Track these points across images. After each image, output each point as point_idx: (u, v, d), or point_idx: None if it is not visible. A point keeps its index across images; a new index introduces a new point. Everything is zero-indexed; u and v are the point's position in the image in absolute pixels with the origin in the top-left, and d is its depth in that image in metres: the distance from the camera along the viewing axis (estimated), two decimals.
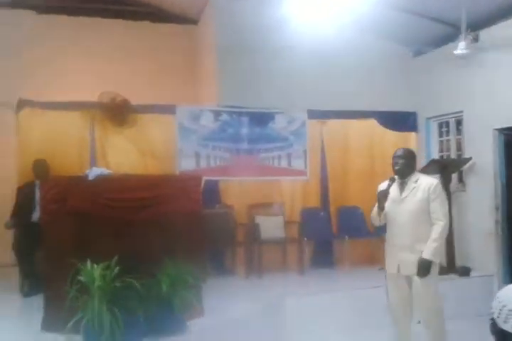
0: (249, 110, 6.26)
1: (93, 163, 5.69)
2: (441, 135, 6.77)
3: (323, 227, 6.38)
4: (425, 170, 6.15)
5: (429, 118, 6.82)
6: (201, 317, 4.14)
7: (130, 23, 7.30)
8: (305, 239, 5.98)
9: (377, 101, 6.56)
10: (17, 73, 6.47)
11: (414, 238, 3.55)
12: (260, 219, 6.04)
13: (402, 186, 3.64)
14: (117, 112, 5.65)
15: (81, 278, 3.50)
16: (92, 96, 5.68)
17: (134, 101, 5.81)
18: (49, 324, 3.74)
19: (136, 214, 3.79)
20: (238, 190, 6.22)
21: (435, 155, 6.76)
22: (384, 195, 3.61)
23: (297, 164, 6.39)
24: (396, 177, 3.64)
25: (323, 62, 6.38)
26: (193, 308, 3.97)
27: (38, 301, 4.52)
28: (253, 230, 5.93)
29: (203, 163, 6.09)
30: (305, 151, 6.44)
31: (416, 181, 3.62)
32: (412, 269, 3.54)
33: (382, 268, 3.94)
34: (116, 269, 3.54)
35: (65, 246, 3.77)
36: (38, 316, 3.93)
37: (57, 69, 6.67)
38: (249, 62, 6.28)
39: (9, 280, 5.37)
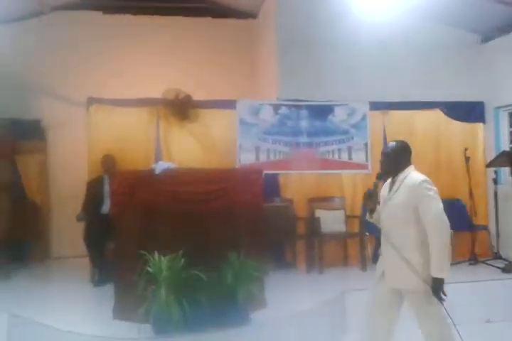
0: (309, 103, 6.22)
1: (158, 157, 5.88)
2: None
3: None
4: (494, 163, 5.90)
5: (498, 108, 6.50)
6: (264, 310, 4.18)
7: (190, 19, 7.43)
8: (367, 233, 5.88)
9: (442, 90, 6.35)
10: (86, 72, 6.80)
11: (400, 243, 3.07)
12: (320, 213, 6.00)
13: (392, 185, 3.21)
14: (181, 108, 5.80)
15: (149, 268, 3.63)
16: (155, 92, 5.85)
17: (196, 96, 5.93)
18: (120, 312, 3.91)
19: (201, 207, 3.87)
20: (298, 184, 6.21)
21: (505, 146, 6.42)
22: (369, 196, 3.29)
23: (358, 157, 6.28)
24: (380, 176, 3.28)
25: (383, 52, 6.24)
26: (256, 300, 4.01)
27: (108, 290, 4.77)
28: (313, 224, 5.90)
29: (263, 157, 6.13)
30: (366, 144, 6.31)
31: (403, 179, 3.14)
32: (398, 281, 3.09)
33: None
34: (182, 261, 3.65)
35: (134, 237, 3.91)
36: (108, 305, 4.11)
37: (122, 66, 6.94)
38: (308, 55, 6.25)
39: (81, 270, 5.69)
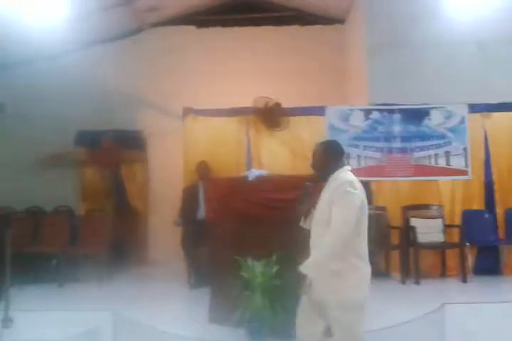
0: (402, 107, 6.02)
1: (249, 164, 6.00)
2: None
3: (488, 231, 5.83)
4: None
5: None
6: None
7: (279, 28, 7.54)
8: (467, 243, 5.53)
9: None
10: (181, 84, 7.15)
11: (312, 243, 2.93)
12: (416, 222, 5.73)
13: (325, 187, 2.93)
14: (270, 116, 5.88)
15: (243, 274, 3.69)
16: (246, 102, 5.99)
17: (286, 104, 5.99)
18: (215, 316, 4.00)
19: (293, 214, 3.86)
20: (391, 191, 6.02)
21: None
22: (300, 201, 3.05)
23: (457, 163, 5.94)
24: (309, 179, 3.11)
25: (480, 51, 5.88)
26: None
27: (204, 293, 4.92)
28: (408, 233, 5.66)
29: (354, 164, 6.00)
30: (465, 149, 5.96)
31: (331, 181, 2.87)
32: (317, 289, 2.82)
33: None
34: (275, 267, 3.67)
35: (228, 243, 3.99)
36: (204, 307, 4.22)
37: (215, 77, 7.21)
38: (399, 57, 6.08)
39: (177, 273, 5.93)
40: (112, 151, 7.15)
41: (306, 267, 2.77)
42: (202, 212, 5.62)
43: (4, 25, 5.67)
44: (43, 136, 7.01)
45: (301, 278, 2.80)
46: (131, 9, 6.83)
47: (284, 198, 3.82)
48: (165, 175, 7.17)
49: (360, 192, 2.81)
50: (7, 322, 4.20)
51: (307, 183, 3.06)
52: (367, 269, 2.82)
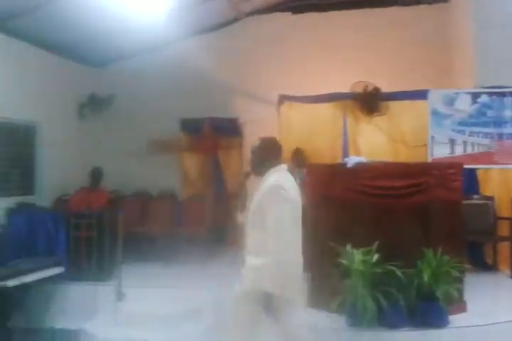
0: None
1: (345, 151, 5.92)
2: None
3: None
4: None
5: None
6: (463, 314, 3.90)
7: (377, 10, 7.26)
8: None
9: None
10: (277, 71, 7.18)
11: (249, 247, 2.81)
12: None
13: (260, 184, 2.86)
14: (369, 101, 5.74)
15: (343, 261, 3.68)
16: (344, 87, 5.89)
17: (386, 88, 5.80)
18: (314, 301, 4.03)
19: (396, 202, 3.77)
20: (500, 180, 5.65)
21: None
22: (240, 194, 3.03)
23: None
24: (246, 174, 3.07)
25: None
26: (455, 303, 3.77)
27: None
28: None
29: (458, 150, 5.67)
30: None
31: (265, 180, 2.81)
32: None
33: None
34: (376, 256, 3.62)
35: (327, 229, 4.00)
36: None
37: (311, 64, 7.14)
38: (510, 37, 5.58)
39: None
40: (212, 138, 7.43)
41: (270, 285, 2.64)
42: None
43: (110, 20, 6.04)
44: (149, 124, 7.44)
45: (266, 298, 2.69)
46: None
47: (388, 186, 3.74)
48: None
49: (291, 191, 2.77)
50: (120, 296, 4.59)
51: (242, 179, 3.13)
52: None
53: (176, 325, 4.31)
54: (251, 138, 7.32)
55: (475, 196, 5.60)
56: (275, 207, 2.68)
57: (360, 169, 3.95)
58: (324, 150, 5.97)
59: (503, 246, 5.45)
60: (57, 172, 6.52)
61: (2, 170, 5.96)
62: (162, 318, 4.40)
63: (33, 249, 5.04)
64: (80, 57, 7.28)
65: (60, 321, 4.79)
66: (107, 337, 4.32)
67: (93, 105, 7.37)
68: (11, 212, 5.49)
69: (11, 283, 4.14)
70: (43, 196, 6.35)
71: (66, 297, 4.86)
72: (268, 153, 2.90)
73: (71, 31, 6.27)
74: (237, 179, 7.54)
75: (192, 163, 7.59)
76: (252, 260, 2.77)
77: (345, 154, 5.90)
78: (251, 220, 2.84)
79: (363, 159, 4.03)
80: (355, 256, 3.67)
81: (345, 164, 4.05)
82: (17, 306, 4.19)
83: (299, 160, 5.82)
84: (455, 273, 3.64)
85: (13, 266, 4.44)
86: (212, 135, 7.42)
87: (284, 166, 2.93)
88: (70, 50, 6.94)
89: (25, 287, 4.32)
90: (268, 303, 2.70)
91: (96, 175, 6.08)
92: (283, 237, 2.65)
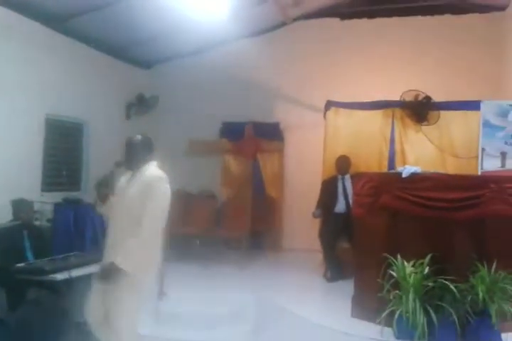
0: None
1: (391, 159, 5.84)
2: None
3: None
4: None
5: None
6: None
7: (429, 18, 7.14)
8: None
9: None
10: (324, 77, 7.15)
11: (119, 239, 2.98)
12: None
13: (131, 177, 3.12)
14: (418, 110, 5.64)
15: (393, 272, 3.62)
16: (394, 96, 5.81)
17: (437, 98, 5.69)
18: (359, 312, 3.99)
19: (452, 214, 3.68)
20: None
21: None
22: (99, 183, 3.16)
23: None
24: (119, 163, 3.20)
25: None
26: (508, 320, 3.65)
27: (341, 287, 4.94)
28: None
29: (510, 164, 5.52)
30: None
31: (141, 174, 3.08)
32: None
33: None
34: (427, 268, 3.55)
35: (376, 239, 3.94)
36: (343, 301, 4.24)
37: (360, 70, 7.09)
38: None
39: (310, 263, 6.03)
40: (253, 142, 7.46)
41: (123, 260, 2.87)
42: (341, 206, 5.63)
43: (159, 22, 6.13)
44: (193, 125, 7.53)
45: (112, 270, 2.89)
46: (277, 4, 6.96)
47: (444, 198, 3.66)
48: (301, 166, 7.29)
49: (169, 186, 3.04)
50: (162, 295, 4.63)
51: (113, 168, 3.22)
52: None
53: (215, 326, 4.32)
54: (292, 143, 7.44)
55: None
56: (155, 200, 2.95)
57: (415, 179, 3.87)
58: (370, 158, 5.88)
59: None
60: (102, 170, 6.62)
61: (52, 165, 6.11)
62: (201, 319, 4.41)
63: (79, 243, 5.14)
64: (130, 58, 7.43)
65: None
66: (147, 336, 4.36)
67: (140, 105, 7.49)
68: (59, 207, 5.61)
69: (60, 276, 4.22)
70: (89, 192, 6.47)
71: None
72: (143, 150, 3.15)
73: (124, 32, 6.41)
74: (276, 182, 7.57)
75: (232, 165, 7.65)
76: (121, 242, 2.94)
77: (392, 163, 5.83)
78: (125, 213, 3.01)
79: (418, 169, 3.95)
80: (406, 268, 3.61)
81: (399, 173, 3.98)
82: (65, 299, 4.26)
83: (343, 167, 5.76)
84: (510, 290, 3.54)
85: (62, 260, 4.52)
86: (253, 139, 7.49)
87: (154, 163, 3.17)
88: (121, 51, 7.08)
89: (73, 281, 4.39)
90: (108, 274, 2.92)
91: None
92: (152, 226, 2.94)
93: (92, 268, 4.62)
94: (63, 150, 6.41)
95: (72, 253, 4.76)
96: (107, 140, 6.84)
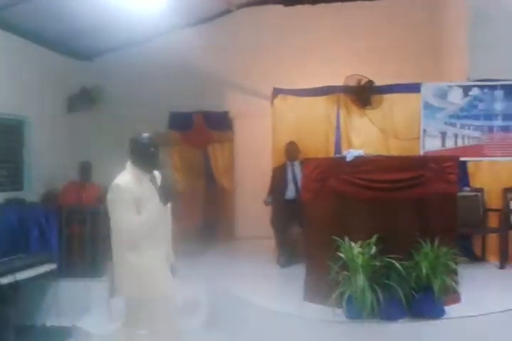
0: (505, 83, 5.63)
1: (338, 144, 5.93)
2: None
3: None
4: None
5: None
6: (457, 305, 3.96)
7: (369, 3, 7.24)
8: None
9: None
10: (269, 64, 7.14)
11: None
12: None
13: (152, 179, 2.97)
14: (362, 94, 5.75)
15: (341, 254, 3.70)
16: (336, 81, 5.88)
17: (379, 82, 5.81)
18: (311, 295, 4.05)
19: (395, 195, 3.80)
20: (490, 172, 5.71)
21: None
22: None
23: None
24: None
25: None
26: (449, 294, 3.82)
27: (293, 272, 5.01)
28: (508, 216, 5.37)
29: (450, 143, 5.76)
30: None
31: (156, 175, 2.98)
32: None
33: None
34: (374, 249, 3.64)
35: (325, 223, 4.00)
36: (295, 285, 4.30)
37: (304, 57, 7.12)
38: (502, 30, 5.63)
39: (263, 250, 6.07)
40: (202, 132, 7.38)
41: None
42: (291, 192, 5.68)
43: (99, 12, 5.92)
44: (138, 117, 7.34)
45: None
46: None
47: (387, 179, 3.76)
48: (251, 155, 7.29)
49: (133, 188, 2.75)
50: (113, 292, 4.53)
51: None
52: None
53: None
54: (242, 132, 7.42)
55: (465, 188, 5.66)
56: (114, 212, 2.81)
57: (359, 162, 3.95)
58: (317, 143, 5.95)
59: (492, 238, 5.54)
60: (45, 167, 6.40)
61: None
62: None
63: (24, 245, 4.96)
64: (68, 50, 7.14)
65: (53, 318, 4.75)
66: (100, 334, 4.28)
67: (83, 99, 7.23)
68: (2, 208, 5.38)
69: (5, 280, 4.07)
70: (32, 191, 6.24)
71: (58, 293, 4.81)
72: (129, 151, 2.96)
73: (60, 24, 6.14)
74: (227, 172, 7.54)
75: (182, 156, 7.53)
76: None
77: (338, 148, 5.93)
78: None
79: (362, 152, 4.03)
80: (353, 249, 3.69)
81: (344, 157, 4.05)
82: (9, 303, 4.12)
83: (292, 153, 5.80)
84: (452, 265, 3.70)
85: (7, 263, 4.36)
86: (202, 129, 7.38)
87: (128, 165, 2.95)
88: (59, 43, 6.80)
89: (18, 284, 4.25)
90: None
91: (86, 169, 6.00)
92: (120, 241, 2.86)
93: (38, 270, 4.51)
94: (2, 148, 6.12)
95: (17, 256, 4.60)
96: (50, 135, 6.60)
